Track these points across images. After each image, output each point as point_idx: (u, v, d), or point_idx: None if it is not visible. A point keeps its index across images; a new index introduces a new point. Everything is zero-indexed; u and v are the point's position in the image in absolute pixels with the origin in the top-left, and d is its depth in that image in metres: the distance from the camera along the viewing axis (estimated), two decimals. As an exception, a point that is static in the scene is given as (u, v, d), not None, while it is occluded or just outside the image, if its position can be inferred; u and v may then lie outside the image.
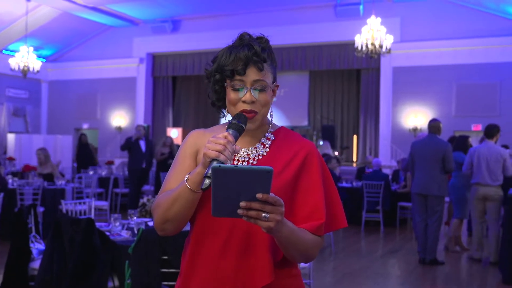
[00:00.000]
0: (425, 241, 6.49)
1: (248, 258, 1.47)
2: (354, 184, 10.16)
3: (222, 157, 1.33)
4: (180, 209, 1.45)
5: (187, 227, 1.62)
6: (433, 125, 6.55)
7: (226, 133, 1.39)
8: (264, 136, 1.59)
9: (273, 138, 1.59)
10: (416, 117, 14.17)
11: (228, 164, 1.26)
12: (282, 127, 1.65)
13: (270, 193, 1.26)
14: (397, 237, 8.68)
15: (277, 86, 1.60)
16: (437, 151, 6.35)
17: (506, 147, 8.11)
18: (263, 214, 1.27)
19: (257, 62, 1.49)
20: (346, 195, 9.72)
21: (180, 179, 1.48)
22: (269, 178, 1.24)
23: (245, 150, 1.55)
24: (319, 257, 6.67)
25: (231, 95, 1.51)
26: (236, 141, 1.42)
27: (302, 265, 4.16)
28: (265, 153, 1.55)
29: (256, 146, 1.57)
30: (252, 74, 1.49)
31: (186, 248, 1.57)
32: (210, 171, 1.30)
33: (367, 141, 15.57)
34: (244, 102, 1.49)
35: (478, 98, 13.47)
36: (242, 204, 1.26)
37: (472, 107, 13.54)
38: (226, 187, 1.25)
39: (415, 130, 14.11)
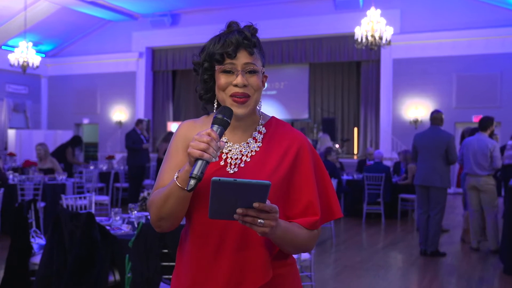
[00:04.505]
0: (426, 233, 6.49)
1: (245, 253, 1.47)
2: (355, 176, 10.15)
3: (206, 156, 1.32)
4: (173, 207, 1.45)
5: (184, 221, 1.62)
6: (436, 116, 6.52)
7: (209, 130, 1.36)
8: (256, 130, 1.57)
9: (264, 131, 1.58)
10: (416, 109, 14.15)
11: (227, 178, 1.26)
12: (272, 117, 1.64)
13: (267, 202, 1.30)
14: (398, 229, 8.68)
15: (266, 77, 1.58)
16: (440, 142, 6.33)
17: None
18: (259, 220, 1.30)
19: (248, 45, 1.48)
20: (347, 187, 9.72)
21: (173, 174, 1.47)
22: (267, 191, 1.27)
23: (237, 145, 1.54)
24: (320, 250, 6.67)
25: (221, 79, 1.49)
26: (221, 137, 1.41)
27: (303, 257, 4.16)
28: (257, 149, 1.54)
29: (248, 141, 1.55)
30: (242, 57, 1.48)
31: (182, 243, 1.58)
32: (194, 172, 1.31)
33: (368, 133, 15.56)
34: (235, 86, 1.48)
35: (478, 89, 13.44)
36: (238, 210, 1.29)
37: (472, 99, 13.52)
38: (224, 196, 1.28)
39: (415, 122, 14.09)
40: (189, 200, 1.45)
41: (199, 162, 1.32)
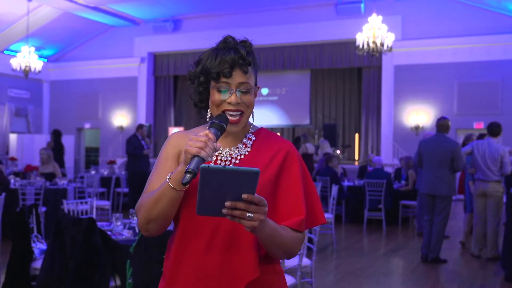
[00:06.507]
0: (429, 238, 6.48)
1: (233, 254, 1.50)
2: (356, 182, 10.15)
3: (203, 154, 1.37)
4: (163, 208, 1.48)
5: (172, 227, 1.64)
6: (442, 123, 6.48)
7: (207, 131, 1.43)
8: (246, 137, 1.63)
9: (254, 138, 1.64)
10: (418, 115, 14.15)
11: (216, 165, 1.29)
12: (262, 128, 1.70)
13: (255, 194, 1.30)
14: (399, 235, 8.67)
15: (259, 88, 1.64)
16: (446, 150, 6.29)
17: None
18: (248, 214, 1.31)
19: (243, 65, 1.53)
20: (348, 193, 9.72)
21: (162, 179, 1.51)
22: (256, 179, 1.27)
23: (227, 150, 1.60)
24: (321, 256, 6.66)
25: (215, 96, 1.55)
26: (217, 140, 1.46)
27: (303, 263, 4.15)
28: (247, 153, 1.60)
29: (238, 146, 1.61)
30: (237, 77, 1.53)
31: (170, 248, 1.60)
32: (191, 166, 1.34)
33: (369, 139, 15.55)
34: (229, 103, 1.53)
35: (479, 96, 13.45)
36: (227, 203, 1.29)
37: (474, 105, 13.52)
38: (213, 186, 1.28)
39: (417, 128, 14.10)
40: (179, 201, 1.48)
41: (196, 159, 1.35)
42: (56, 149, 11.02)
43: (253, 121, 1.65)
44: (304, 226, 1.55)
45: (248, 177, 1.26)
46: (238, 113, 1.54)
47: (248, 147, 1.60)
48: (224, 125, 1.50)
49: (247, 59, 1.53)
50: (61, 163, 10.85)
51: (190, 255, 1.52)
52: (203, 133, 1.41)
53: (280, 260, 1.68)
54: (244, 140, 1.62)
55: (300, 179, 1.58)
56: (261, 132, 1.66)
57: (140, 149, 9.82)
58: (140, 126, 10.16)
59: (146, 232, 1.56)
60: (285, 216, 1.54)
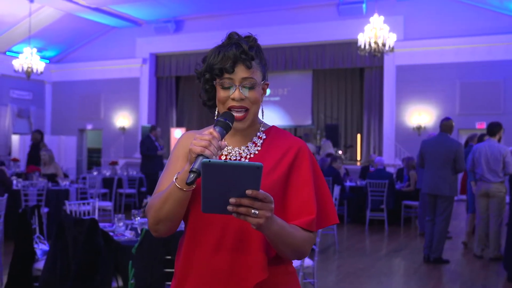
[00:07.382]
0: (431, 239, 6.48)
1: (241, 254, 1.48)
2: (358, 183, 10.14)
3: (207, 152, 1.34)
4: (171, 209, 1.46)
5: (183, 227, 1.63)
6: (446, 123, 6.48)
7: (211, 130, 1.41)
8: (256, 135, 1.60)
9: (264, 137, 1.61)
10: (420, 115, 14.14)
11: (218, 160, 1.25)
12: (273, 126, 1.67)
13: (260, 190, 1.27)
14: (401, 236, 8.66)
15: (267, 84, 1.61)
16: (449, 150, 6.29)
17: None
18: (253, 211, 1.28)
19: (245, 60, 1.50)
20: (350, 194, 9.72)
21: (172, 180, 1.48)
22: (259, 174, 1.24)
23: (237, 149, 1.57)
24: (323, 256, 6.66)
25: (220, 93, 1.53)
26: (223, 138, 1.43)
27: (306, 264, 4.15)
28: (256, 152, 1.57)
29: (248, 145, 1.58)
30: (240, 72, 1.50)
31: (181, 248, 1.59)
32: (195, 166, 1.31)
33: (371, 139, 15.55)
34: (233, 99, 1.51)
35: (482, 96, 13.45)
36: (231, 200, 1.26)
37: (476, 105, 13.52)
38: (216, 182, 1.25)
39: (418, 128, 14.08)
40: (187, 201, 1.46)
41: (200, 158, 1.33)
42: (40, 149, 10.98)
43: (262, 117, 1.62)
44: (315, 226, 1.52)
45: (250, 172, 1.23)
46: (243, 109, 1.51)
47: (258, 146, 1.58)
48: (230, 123, 1.47)
49: (250, 53, 1.51)
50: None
51: (199, 255, 1.51)
52: (207, 132, 1.39)
53: None
54: (254, 139, 1.59)
55: (311, 177, 1.55)
56: (272, 131, 1.63)
57: (153, 150, 9.78)
58: (153, 127, 10.12)
59: (155, 232, 1.54)
60: (296, 215, 1.51)
